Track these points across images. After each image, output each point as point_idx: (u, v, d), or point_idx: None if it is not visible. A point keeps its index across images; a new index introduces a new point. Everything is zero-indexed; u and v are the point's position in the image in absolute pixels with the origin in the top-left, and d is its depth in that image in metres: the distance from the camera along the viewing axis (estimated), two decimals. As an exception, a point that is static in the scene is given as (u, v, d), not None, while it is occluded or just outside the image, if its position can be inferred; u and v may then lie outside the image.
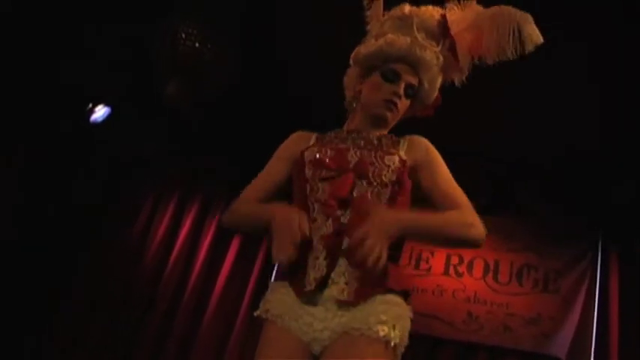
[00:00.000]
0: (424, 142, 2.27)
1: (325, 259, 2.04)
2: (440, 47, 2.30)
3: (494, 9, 2.34)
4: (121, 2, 4.51)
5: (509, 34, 2.27)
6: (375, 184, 2.12)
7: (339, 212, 2.08)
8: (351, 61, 2.38)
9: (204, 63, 4.59)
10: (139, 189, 5.90)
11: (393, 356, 1.97)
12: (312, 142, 2.29)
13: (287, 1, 4.40)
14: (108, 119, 5.57)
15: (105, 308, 5.45)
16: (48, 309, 5.31)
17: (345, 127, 2.34)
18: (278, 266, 5.37)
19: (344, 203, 2.09)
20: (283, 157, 2.33)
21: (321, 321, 2.00)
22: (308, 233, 2.00)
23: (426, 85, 2.28)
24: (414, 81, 2.26)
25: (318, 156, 2.19)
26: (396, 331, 1.97)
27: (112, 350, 5.32)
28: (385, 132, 2.30)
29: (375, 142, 2.22)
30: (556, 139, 4.92)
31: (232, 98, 5.09)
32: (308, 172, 2.18)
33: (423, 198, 2.21)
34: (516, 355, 5.15)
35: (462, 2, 2.37)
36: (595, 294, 5.20)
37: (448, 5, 2.37)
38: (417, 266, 5.37)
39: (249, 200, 2.28)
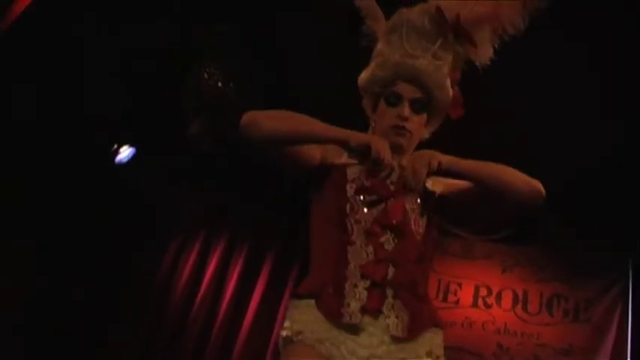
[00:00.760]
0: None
1: (366, 288, 1.96)
2: (440, 43, 2.15)
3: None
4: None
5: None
6: (414, 213, 2.07)
7: (382, 239, 2.02)
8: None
9: (227, 102, 4.64)
10: (164, 229, 5.94)
11: None
12: (344, 159, 2.14)
13: (307, 41, 4.44)
14: (133, 160, 5.63)
15: (135, 349, 5.45)
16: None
17: None
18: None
19: (389, 230, 2.02)
20: (318, 147, 2.16)
21: (365, 347, 1.93)
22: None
23: (435, 91, 2.16)
24: (418, 94, 2.14)
25: (360, 176, 2.10)
26: None
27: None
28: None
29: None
30: (582, 167, 4.89)
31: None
32: (350, 190, 2.08)
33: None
34: (548, 387, 5.08)
35: None
36: (628, 323, 5.12)
37: None
38: (444, 299, 5.32)
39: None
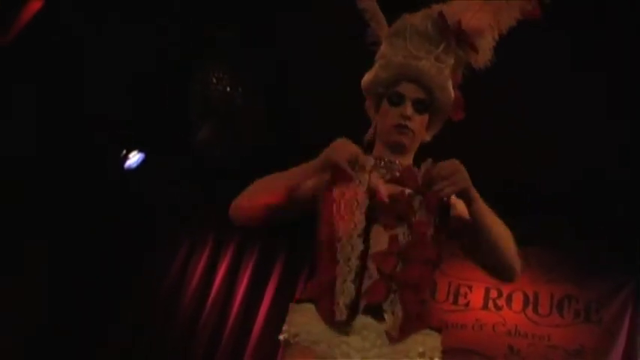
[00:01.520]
0: None
1: (352, 281, 1.95)
2: (442, 47, 2.18)
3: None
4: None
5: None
6: (428, 214, 2.06)
7: (397, 231, 2.01)
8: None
9: (236, 107, 4.65)
10: (173, 235, 5.96)
11: None
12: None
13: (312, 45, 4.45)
14: (142, 165, 5.66)
15: (143, 356, 5.47)
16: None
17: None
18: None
19: (405, 223, 2.03)
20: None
21: (358, 351, 1.92)
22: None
23: (437, 93, 2.19)
24: (421, 95, 2.17)
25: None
26: None
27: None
28: (410, 157, 2.23)
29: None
30: (591, 167, 4.88)
31: (264, 142, 5.14)
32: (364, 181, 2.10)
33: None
34: (560, 389, 5.06)
35: None
36: (639, 323, 5.10)
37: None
38: (455, 302, 5.32)
39: None
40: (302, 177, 2.13)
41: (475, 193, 2.00)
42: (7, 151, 4.53)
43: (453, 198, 2.09)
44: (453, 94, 2.24)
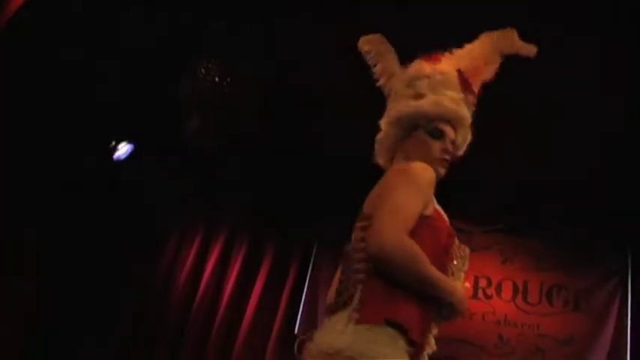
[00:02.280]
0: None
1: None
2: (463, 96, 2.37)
3: (481, 40, 2.45)
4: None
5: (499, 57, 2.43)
6: None
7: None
8: (387, 122, 2.39)
9: (225, 97, 4.63)
10: (163, 226, 5.94)
11: None
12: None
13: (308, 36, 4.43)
14: (131, 156, 5.63)
15: (136, 346, 5.47)
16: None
17: None
18: (308, 295, 5.41)
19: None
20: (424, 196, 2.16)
21: None
22: None
23: (460, 138, 2.36)
24: (454, 136, 2.33)
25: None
26: None
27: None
28: None
29: None
30: (582, 158, 4.89)
31: (254, 132, 5.13)
32: (448, 239, 2.19)
33: None
34: (550, 377, 5.09)
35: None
36: (627, 312, 5.13)
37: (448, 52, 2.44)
38: (444, 291, 5.31)
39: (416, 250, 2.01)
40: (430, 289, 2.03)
41: None
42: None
43: None
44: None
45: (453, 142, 2.32)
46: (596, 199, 5.33)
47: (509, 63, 2.49)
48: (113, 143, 5.59)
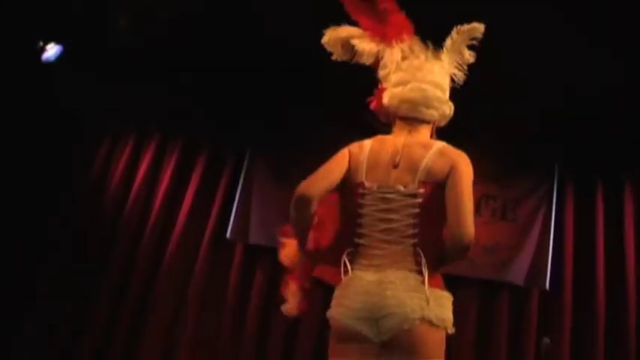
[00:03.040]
0: None
1: None
2: None
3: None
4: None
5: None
6: None
7: None
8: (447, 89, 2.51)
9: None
10: (94, 131, 5.79)
11: None
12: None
13: None
14: (60, 58, 5.43)
15: (68, 247, 5.42)
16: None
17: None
18: (240, 200, 5.42)
19: None
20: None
21: None
22: None
23: None
24: None
25: None
26: None
27: (75, 287, 5.30)
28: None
29: None
30: (510, 69, 4.92)
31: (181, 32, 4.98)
32: None
33: None
34: (475, 283, 5.26)
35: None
36: (551, 222, 5.32)
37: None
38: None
39: None
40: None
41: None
42: None
43: None
44: None
45: None
46: (526, 112, 5.42)
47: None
48: (41, 44, 5.36)
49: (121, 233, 5.47)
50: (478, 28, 2.49)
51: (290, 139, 5.53)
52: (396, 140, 2.37)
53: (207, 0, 4.69)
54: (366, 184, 2.30)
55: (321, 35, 2.55)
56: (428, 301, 2.11)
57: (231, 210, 5.44)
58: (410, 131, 2.38)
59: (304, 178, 2.31)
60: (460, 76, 2.51)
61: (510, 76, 5.01)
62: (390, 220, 2.23)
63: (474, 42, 2.51)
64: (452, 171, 2.24)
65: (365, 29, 2.51)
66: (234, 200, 5.48)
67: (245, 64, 5.29)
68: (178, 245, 5.43)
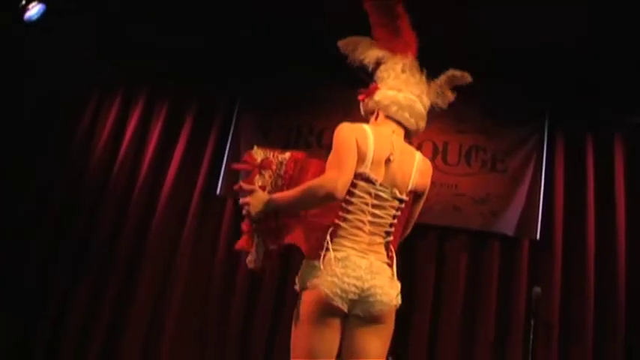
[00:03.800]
0: None
1: None
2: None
3: None
4: None
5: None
6: None
7: None
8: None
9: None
10: (81, 87, 5.74)
11: None
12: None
13: None
14: (43, 16, 5.35)
15: (56, 205, 5.40)
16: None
17: None
18: (230, 155, 5.39)
19: None
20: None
21: None
22: None
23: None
24: None
25: None
26: None
27: (66, 245, 5.29)
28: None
29: None
30: (502, 16, 4.87)
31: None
32: None
33: None
34: (465, 234, 5.28)
35: None
36: (541, 172, 5.31)
37: None
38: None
39: None
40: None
41: (269, 205, 2.50)
42: None
43: None
44: None
45: None
46: (516, 64, 5.38)
47: None
48: (23, 2, 5.28)
49: (110, 193, 5.44)
50: (466, 77, 2.87)
51: (278, 94, 5.50)
52: (389, 136, 2.59)
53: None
54: (372, 177, 2.49)
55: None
56: (397, 293, 2.49)
57: (221, 166, 5.42)
58: (394, 131, 2.63)
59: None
60: (441, 105, 2.83)
61: (498, 28, 4.98)
62: (377, 216, 2.49)
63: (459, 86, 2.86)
64: (425, 191, 2.65)
65: (377, 39, 2.79)
66: (223, 156, 5.45)
67: (235, 19, 5.25)
68: (168, 202, 5.42)
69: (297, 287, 2.49)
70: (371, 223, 2.47)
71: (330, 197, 2.38)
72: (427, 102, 2.73)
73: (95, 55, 5.66)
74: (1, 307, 5.07)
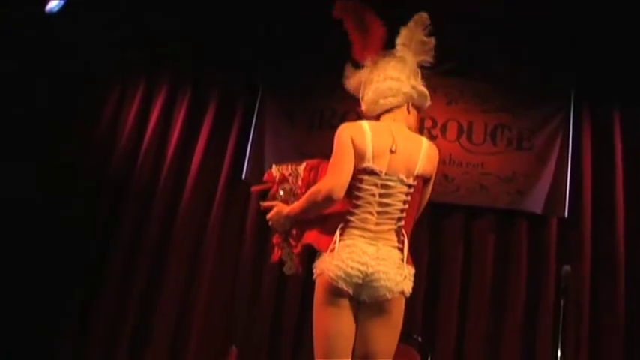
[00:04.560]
0: None
1: None
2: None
3: None
4: None
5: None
6: None
7: None
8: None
9: None
10: (103, 80, 5.77)
11: None
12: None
13: None
14: (64, 8, 5.38)
15: (81, 197, 5.43)
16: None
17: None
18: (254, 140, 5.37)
19: None
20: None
21: None
22: None
23: None
24: None
25: None
26: None
27: (91, 235, 5.33)
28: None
29: None
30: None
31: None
32: None
33: None
34: (493, 213, 5.22)
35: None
36: (568, 149, 5.24)
37: None
38: (390, 132, 5.34)
39: None
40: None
41: (288, 217, 2.69)
42: None
43: None
44: None
45: None
46: (541, 42, 5.33)
47: None
48: (44, -5, 5.31)
49: (136, 181, 5.47)
50: (422, 16, 2.86)
51: (301, 78, 5.50)
52: (388, 128, 2.69)
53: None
54: (376, 169, 2.59)
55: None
56: (405, 277, 2.55)
57: (246, 151, 5.42)
58: (394, 120, 2.76)
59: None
60: (429, 60, 2.88)
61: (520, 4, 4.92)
62: (386, 205, 2.58)
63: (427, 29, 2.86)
64: (432, 176, 2.74)
65: (353, 43, 2.96)
66: (247, 141, 5.46)
67: (257, 5, 5.25)
68: (194, 188, 5.42)
69: (314, 277, 2.61)
70: (379, 213, 2.58)
71: (329, 199, 2.54)
72: (401, 72, 2.80)
73: (117, 43, 5.67)
74: (24, 298, 5.11)
